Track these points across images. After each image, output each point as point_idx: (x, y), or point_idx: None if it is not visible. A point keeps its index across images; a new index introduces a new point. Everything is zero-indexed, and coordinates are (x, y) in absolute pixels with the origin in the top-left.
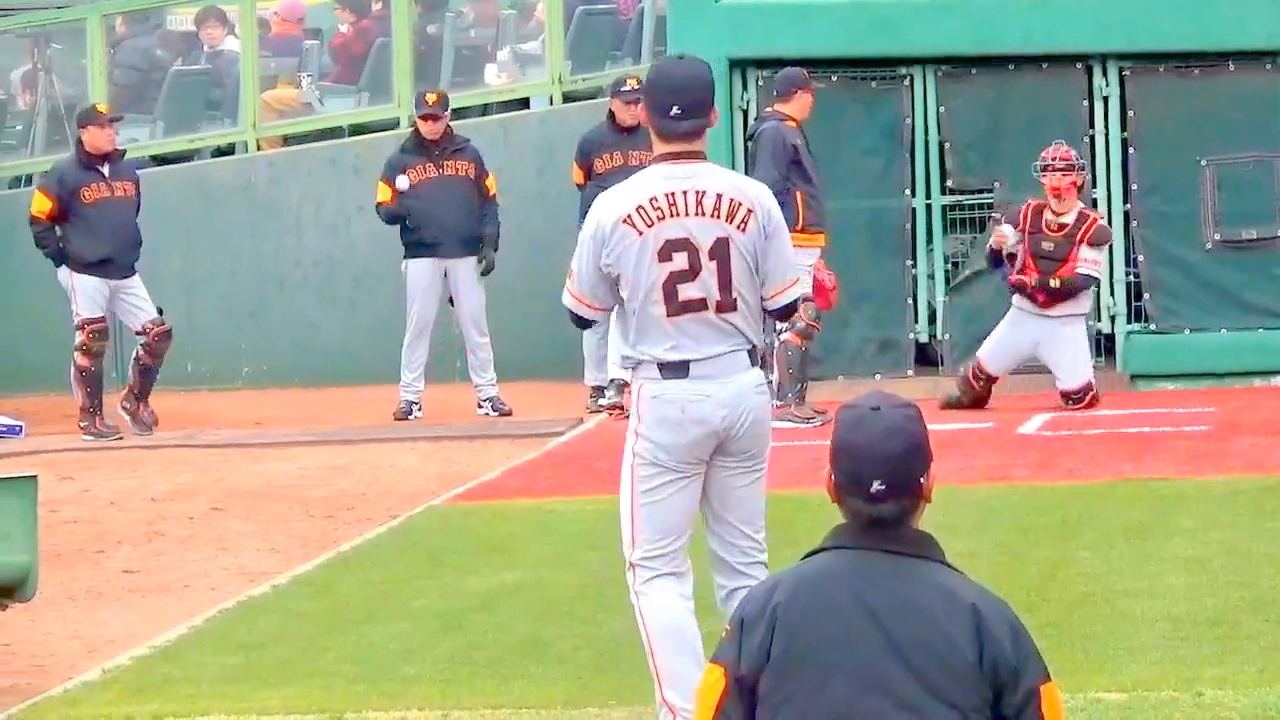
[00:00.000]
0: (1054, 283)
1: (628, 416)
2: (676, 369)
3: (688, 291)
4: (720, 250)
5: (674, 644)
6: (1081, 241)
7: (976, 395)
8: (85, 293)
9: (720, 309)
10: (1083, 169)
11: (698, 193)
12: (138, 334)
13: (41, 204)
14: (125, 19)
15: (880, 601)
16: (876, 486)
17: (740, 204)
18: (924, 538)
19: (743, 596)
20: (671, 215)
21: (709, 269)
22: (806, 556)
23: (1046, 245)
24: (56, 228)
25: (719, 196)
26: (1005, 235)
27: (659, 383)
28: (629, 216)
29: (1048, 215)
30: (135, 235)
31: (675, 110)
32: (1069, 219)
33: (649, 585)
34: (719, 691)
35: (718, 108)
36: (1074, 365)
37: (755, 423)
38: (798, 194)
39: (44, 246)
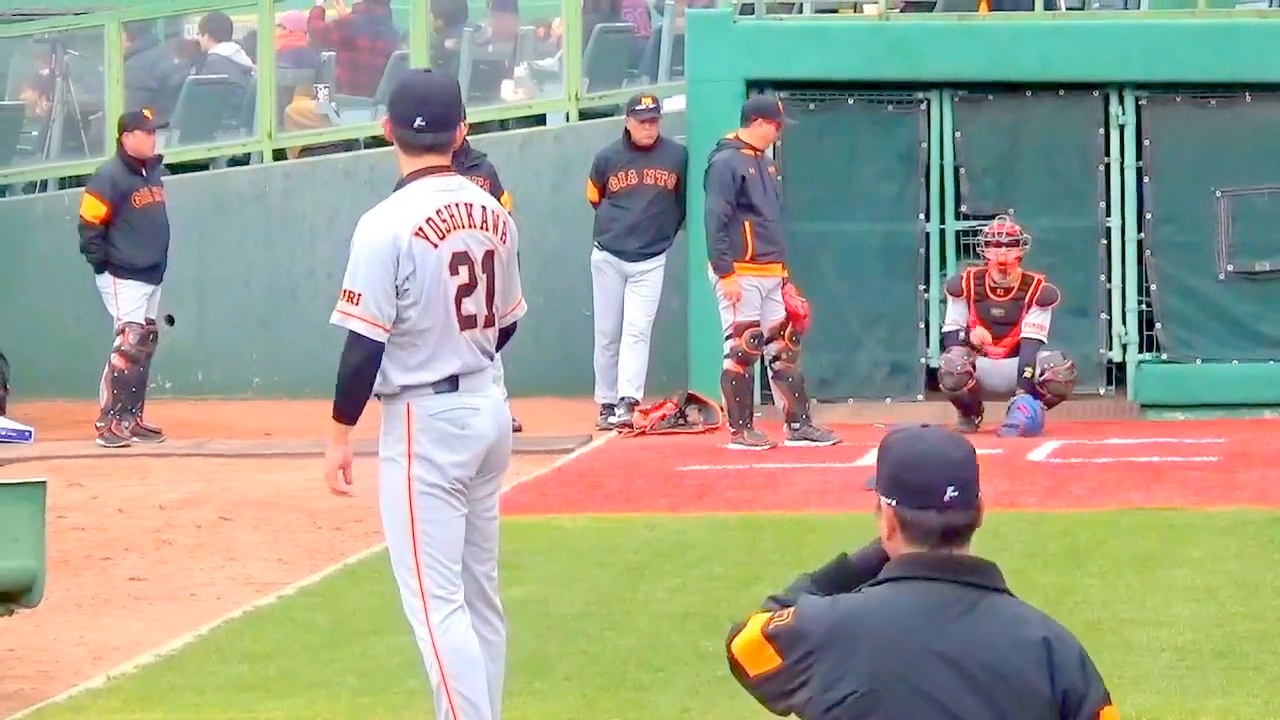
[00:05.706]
0: (1031, 374)
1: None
2: (450, 383)
3: (468, 307)
4: (489, 264)
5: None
6: (1030, 304)
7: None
8: (131, 297)
9: (488, 324)
10: (1026, 243)
11: (466, 205)
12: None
13: (96, 209)
14: (130, 34)
15: (952, 636)
16: (950, 493)
17: (499, 216)
18: (988, 567)
19: (804, 614)
20: (454, 228)
21: (483, 283)
22: (872, 585)
23: (996, 311)
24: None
25: (484, 209)
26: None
27: (431, 399)
28: (420, 229)
29: (991, 281)
30: (169, 240)
31: (420, 123)
32: (1013, 282)
33: (450, 620)
34: (771, 667)
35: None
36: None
37: (507, 436)
38: (745, 224)
39: (92, 252)
